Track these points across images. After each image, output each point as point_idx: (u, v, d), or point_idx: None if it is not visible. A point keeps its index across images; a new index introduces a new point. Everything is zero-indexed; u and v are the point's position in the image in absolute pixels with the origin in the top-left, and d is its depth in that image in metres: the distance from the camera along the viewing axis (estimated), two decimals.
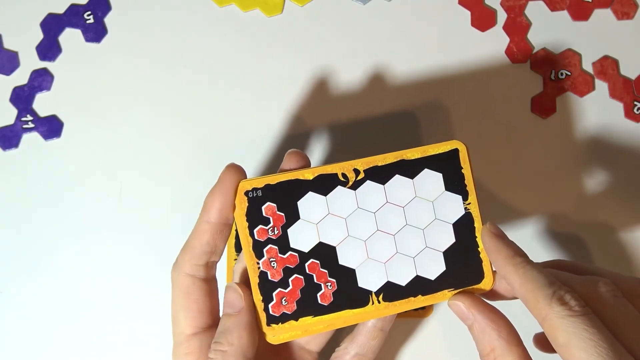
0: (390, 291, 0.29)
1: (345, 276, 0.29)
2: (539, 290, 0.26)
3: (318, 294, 0.29)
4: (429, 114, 0.42)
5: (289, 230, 0.29)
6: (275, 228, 0.29)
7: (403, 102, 0.42)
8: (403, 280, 0.29)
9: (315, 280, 0.29)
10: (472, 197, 0.30)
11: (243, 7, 0.43)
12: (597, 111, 0.42)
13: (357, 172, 0.30)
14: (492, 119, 0.42)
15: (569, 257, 0.41)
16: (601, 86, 0.42)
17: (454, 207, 0.30)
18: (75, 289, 0.41)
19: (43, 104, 0.43)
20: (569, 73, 0.42)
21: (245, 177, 0.30)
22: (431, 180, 0.30)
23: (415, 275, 0.29)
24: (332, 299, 0.29)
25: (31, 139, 0.43)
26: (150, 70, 0.43)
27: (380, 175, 0.30)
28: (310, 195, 0.29)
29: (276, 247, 0.29)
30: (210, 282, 0.32)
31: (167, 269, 0.40)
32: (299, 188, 0.29)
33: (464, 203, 0.30)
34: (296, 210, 0.29)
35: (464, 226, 0.30)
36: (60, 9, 0.44)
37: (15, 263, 0.41)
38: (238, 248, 0.37)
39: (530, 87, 0.42)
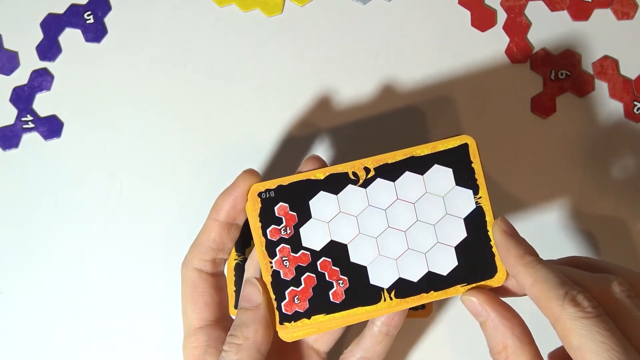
0: (403, 287, 0.29)
1: (357, 273, 0.29)
2: (551, 291, 0.26)
3: (330, 292, 0.29)
4: (429, 114, 0.42)
5: (301, 230, 0.30)
6: (288, 227, 0.30)
7: (403, 103, 0.42)
8: (415, 276, 0.29)
9: (327, 279, 0.29)
10: (483, 191, 0.30)
11: (243, 7, 0.43)
12: (597, 111, 0.42)
13: (367, 170, 0.30)
14: (492, 119, 0.42)
15: (565, 252, 0.41)
16: (601, 86, 0.42)
17: (464, 201, 0.30)
18: (75, 288, 0.41)
19: (43, 104, 0.43)
20: (569, 73, 0.42)
21: (257, 180, 0.31)
22: (441, 175, 0.30)
23: (427, 271, 0.29)
24: (344, 297, 0.29)
25: (31, 139, 0.43)
26: (150, 70, 0.43)
27: (391, 172, 0.30)
28: (322, 195, 0.30)
29: (288, 246, 0.30)
30: (217, 277, 0.32)
31: (166, 268, 0.41)
32: (310, 188, 0.30)
33: (474, 197, 0.30)
34: (308, 210, 0.30)
35: (475, 220, 0.30)
36: (60, 9, 0.44)
37: (16, 263, 0.41)
38: (239, 248, 0.38)
39: (530, 87, 0.42)
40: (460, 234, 0.30)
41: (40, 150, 0.42)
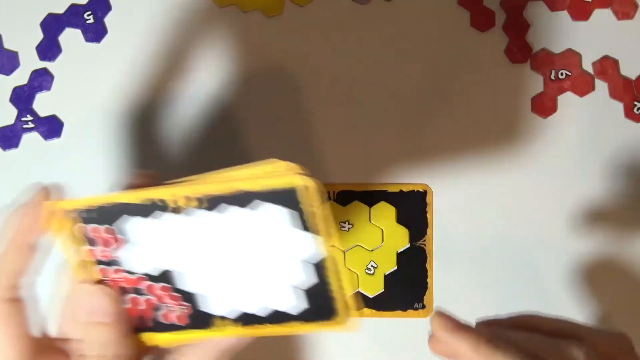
0: (242, 318, 0.27)
1: (188, 299, 0.27)
2: None
3: (160, 314, 0.27)
4: (429, 113, 0.42)
5: (120, 253, 0.27)
6: (105, 250, 0.27)
7: (401, 102, 0.42)
8: (251, 308, 0.27)
9: (155, 301, 0.27)
10: (325, 234, 0.25)
11: (243, 7, 0.43)
12: (597, 111, 0.42)
13: (189, 199, 0.25)
14: (492, 119, 0.42)
15: (566, 252, 0.41)
16: (601, 86, 0.42)
17: (301, 245, 0.25)
18: None
19: (43, 104, 0.43)
20: (569, 73, 0.42)
21: (59, 198, 0.27)
22: (274, 215, 0.25)
23: (263, 305, 0.26)
24: (176, 320, 0.27)
25: (31, 139, 0.43)
26: (149, 70, 0.43)
27: (215, 205, 0.25)
28: (137, 220, 0.26)
29: (109, 268, 0.27)
30: (23, 301, 0.28)
31: None
32: (125, 211, 0.26)
33: (314, 242, 0.25)
34: (125, 234, 0.26)
35: (313, 264, 0.25)
36: (60, 9, 0.44)
37: None
38: None
39: (530, 87, 0.42)
40: (299, 275, 0.26)
41: (40, 150, 0.42)
